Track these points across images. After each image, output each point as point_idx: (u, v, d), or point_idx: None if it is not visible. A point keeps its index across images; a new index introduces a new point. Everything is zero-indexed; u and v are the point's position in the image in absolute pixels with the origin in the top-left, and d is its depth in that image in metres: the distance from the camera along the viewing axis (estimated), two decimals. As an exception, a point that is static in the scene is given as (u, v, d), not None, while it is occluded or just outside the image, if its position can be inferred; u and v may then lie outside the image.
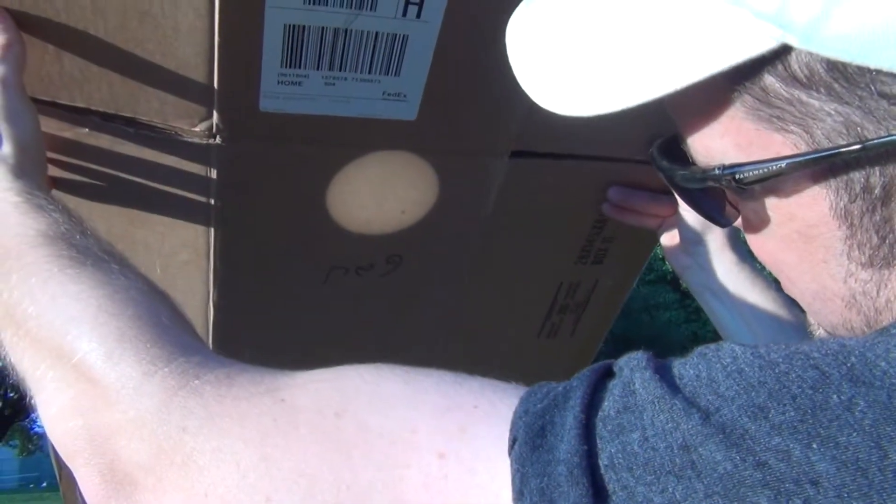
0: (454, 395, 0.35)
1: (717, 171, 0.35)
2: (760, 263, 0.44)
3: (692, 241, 0.72)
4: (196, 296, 0.73)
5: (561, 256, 0.84)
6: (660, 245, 0.80)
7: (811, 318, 0.40)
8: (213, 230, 0.68)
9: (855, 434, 0.26)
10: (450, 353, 0.88)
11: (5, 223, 0.47)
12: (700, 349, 0.32)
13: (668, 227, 0.76)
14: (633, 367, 0.31)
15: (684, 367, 0.31)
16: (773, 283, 0.71)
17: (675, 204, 0.73)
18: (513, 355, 0.91)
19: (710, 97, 0.33)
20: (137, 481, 0.36)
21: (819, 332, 0.40)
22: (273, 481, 0.33)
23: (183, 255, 0.70)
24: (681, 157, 0.37)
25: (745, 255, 0.72)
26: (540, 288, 0.88)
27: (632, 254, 0.86)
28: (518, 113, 0.66)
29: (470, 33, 0.58)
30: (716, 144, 0.35)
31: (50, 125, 0.59)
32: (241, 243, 0.70)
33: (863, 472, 0.26)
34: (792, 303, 0.70)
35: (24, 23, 0.53)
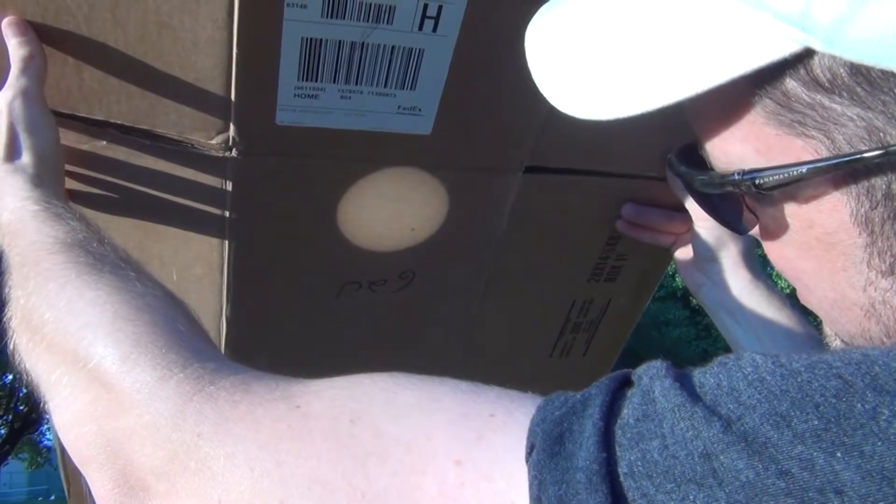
0: (470, 403, 0.35)
1: (736, 177, 0.34)
2: (775, 281, 0.44)
3: (706, 258, 0.72)
4: (209, 310, 0.73)
5: (574, 274, 0.84)
6: (673, 262, 0.80)
7: (828, 329, 0.40)
8: (227, 244, 0.68)
9: (880, 443, 0.26)
10: (461, 370, 0.88)
11: (24, 231, 0.47)
12: (720, 358, 0.32)
13: (682, 245, 0.75)
14: (652, 375, 0.31)
15: (704, 376, 0.31)
16: (788, 301, 0.71)
17: (690, 221, 0.73)
18: (525, 374, 0.91)
19: (731, 101, 0.33)
20: (150, 487, 0.36)
21: (836, 343, 0.39)
22: (287, 487, 0.33)
23: (197, 268, 0.70)
24: (700, 162, 0.37)
25: (759, 272, 0.72)
26: (553, 306, 0.88)
27: (645, 271, 0.85)
28: (533, 127, 0.66)
29: (486, 48, 0.58)
30: (735, 149, 0.34)
31: (69, 137, 0.59)
32: (254, 257, 0.70)
33: (889, 481, 0.25)
34: (807, 320, 0.70)
35: (46, 35, 0.54)
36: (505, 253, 0.78)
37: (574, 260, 0.82)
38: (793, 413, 0.27)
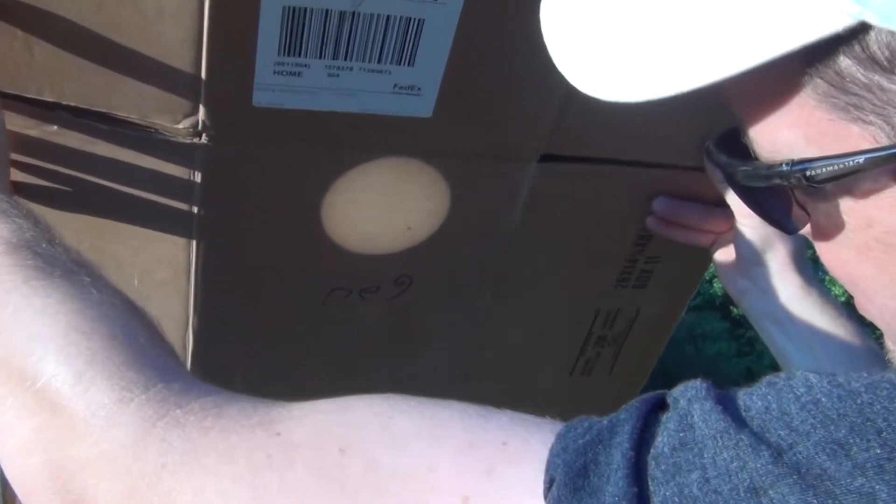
0: (479, 429, 0.35)
1: (784, 168, 0.35)
2: (829, 287, 0.44)
3: (751, 261, 0.72)
4: (174, 321, 0.73)
5: (598, 279, 0.84)
6: (711, 266, 0.80)
7: (890, 342, 0.40)
8: (195, 244, 0.68)
9: None
10: (467, 392, 0.88)
11: None
12: (769, 377, 0.32)
13: (723, 245, 0.76)
14: (690, 397, 0.31)
15: (751, 398, 0.31)
16: (845, 311, 0.71)
17: (731, 218, 0.73)
18: (541, 396, 0.91)
19: (777, 82, 0.33)
20: None
21: None
22: None
23: (159, 273, 0.70)
24: (742, 151, 0.37)
25: (811, 277, 0.72)
26: (573, 317, 0.88)
27: (680, 276, 0.86)
28: (550, 109, 0.66)
29: (495, 18, 0.59)
30: (783, 136, 0.35)
31: (14, 122, 0.59)
32: (227, 260, 0.70)
33: None
34: (866, 332, 0.70)
35: None
36: (517, 255, 0.78)
37: (598, 263, 0.82)
38: (852, 440, 0.28)
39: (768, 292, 0.71)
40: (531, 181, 0.72)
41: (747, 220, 0.70)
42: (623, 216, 0.78)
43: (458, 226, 0.73)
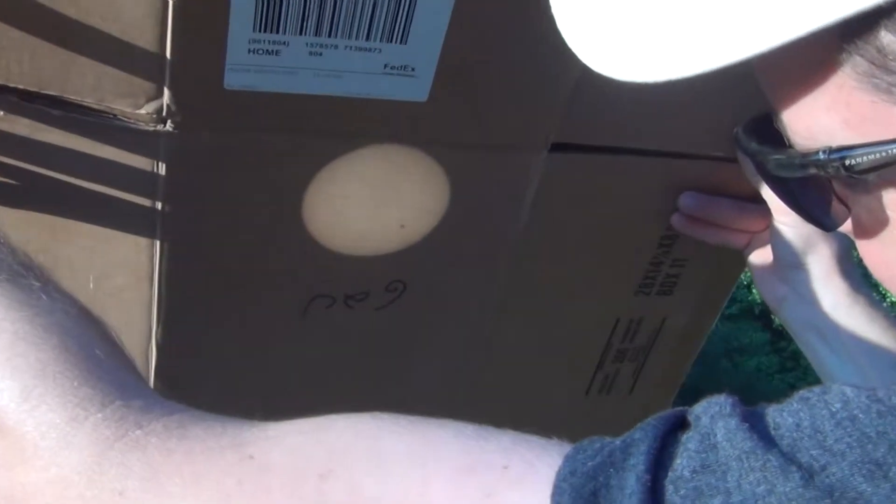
0: (477, 451, 0.35)
1: (820, 156, 0.35)
2: (882, 294, 0.44)
3: (790, 263, 0.72)
4: (135, 331, 0.73)
5: (617, 285, 0.84)
6: (747, 270, 0.80)
7: None
8: (158, 245, 0.68)
9: None
10: (467, 412, 0.88)
11: None
12: (801, 392, 0.32)
13: (759, 246, 0.76)
14: (714, 414, 0.32)
15: (781, 415, 0.31)
16: (896, 321, 0.71)
17: (768, 215, 0.73)
18: (552, 418, 0.91)
19: (813, 60, 0.34)
20: None
21: None
22: None
23: (118, 277, 0.70)
24: (775, 138, 0.38)
25: (859, 283, 0.72)
26: (589, 329, 0.88)
27: (711, 282, 0.86)
28: (561, 93, 0.67)
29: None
30: (820, 121, 0.35)
31: (-47, 108, 0.60)
32: (194, 263, 0.71)
33: None
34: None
35: None
36: (525, 258, 0.79)
37: (617, 266, 0.83)
38: (891, 460, 0.28)
39: (810, 300, 0.71)
40: (540, 173, 0.72)
41: (786, 218, 0.71)
42: (645, 213, 0.79)
43: (457, 224, 0.73)
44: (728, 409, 0.32)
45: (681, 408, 0.34)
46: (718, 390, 0.35)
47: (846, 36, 0.33)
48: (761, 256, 0.76)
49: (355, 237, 0.72)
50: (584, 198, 0.76)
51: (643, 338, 0.89)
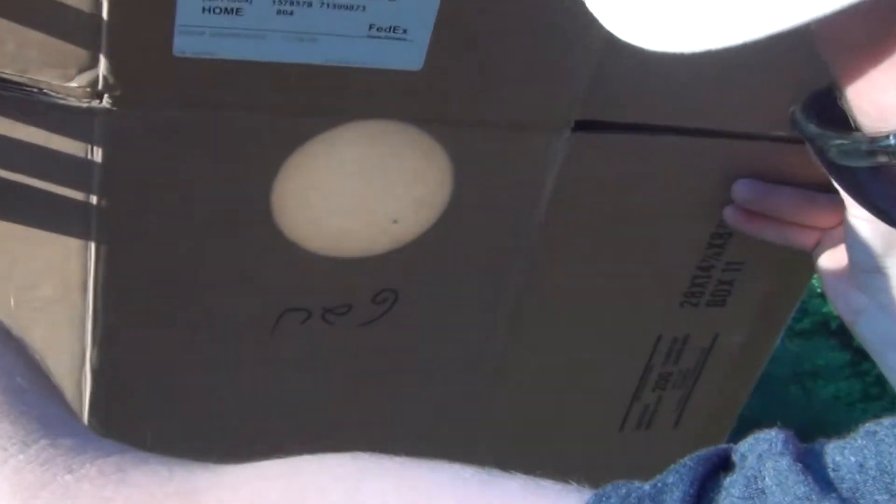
0: (478, 499, 0.35)
1: (892, 140, 0.35)
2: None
3: (868, 268, 0.72)
4: (65, 353, 0.73)
5: (657, 295, 0.85)
6: (817, 276, 0.80)
7: None
8: (93, 248, 0.68)
9: None
10: (469, 452, 0.88)
11: None
12: (868, 426, 0.33)
13: (830, 246, 0.76)
14: (762, 452, 0.32)
15: (842, 453, 0.32)
16: None
17: (841, 207, 0.73)
18: (578, 459, 0.91)
19: (881, 27, 0.34)
20: None
21: None
22: None
23: (44, 288, 0.71)
24: (839, 119, 0.38)
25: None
26: (622, 349, 0.88)
27: (772, 290, 0.86)
28: (586, 62, 0.67)
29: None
30: (891, 99, 0.35)
31: None
32: (137, 270, 0.71)
33: None
34: None
35: None
36: (543, 262, 0.79)
37: (656, 273, 0.83)
38: None
39: (891, 311, 0.72)
40: (562, 158, 0.72)
41: (863, 212, 0.71)
42: (691, 207, 0.79)
43: (461, 219, 0.74)
44: (779, 446, 0.32)
45: (724, 445, 0.34)
46: (786, 424, 0.35)
47: None
48: (833, 259, 0.76)
49: (335, 235, 0.72)
50: (615, 187, 0.76)
51: (690, 359, 0.90)
